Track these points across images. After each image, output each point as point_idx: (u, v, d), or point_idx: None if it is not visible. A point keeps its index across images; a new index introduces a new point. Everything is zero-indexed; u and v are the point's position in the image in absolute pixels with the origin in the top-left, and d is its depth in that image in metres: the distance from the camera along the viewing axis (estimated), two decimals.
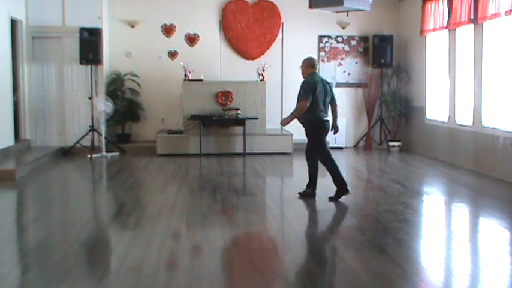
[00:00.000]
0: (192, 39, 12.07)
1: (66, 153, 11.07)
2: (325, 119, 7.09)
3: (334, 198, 7.00)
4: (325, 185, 7.24)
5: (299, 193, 7.20)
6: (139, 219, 6.24)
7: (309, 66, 7.17)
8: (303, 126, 7.18)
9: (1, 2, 9.83)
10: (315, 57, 12.18)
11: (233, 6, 12.06)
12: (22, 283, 4.39)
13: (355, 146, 12.41)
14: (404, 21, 12.25)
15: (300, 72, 7.25)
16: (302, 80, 7.13)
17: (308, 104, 6.89)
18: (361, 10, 8.70)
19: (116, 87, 11.62)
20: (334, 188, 7.02)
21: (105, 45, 11.34)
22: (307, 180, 7.18)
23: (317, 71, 7.20)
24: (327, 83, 7.15)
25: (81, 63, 10.91)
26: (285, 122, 7.18)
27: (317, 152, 7.10)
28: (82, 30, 10.82)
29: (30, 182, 8.59)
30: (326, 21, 11.98)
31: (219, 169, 9.56)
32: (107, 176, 9.53)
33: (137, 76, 11.74)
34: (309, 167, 7.17)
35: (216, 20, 12.11)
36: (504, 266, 4.72)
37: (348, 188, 7.03)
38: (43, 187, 8.53)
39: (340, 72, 12.41)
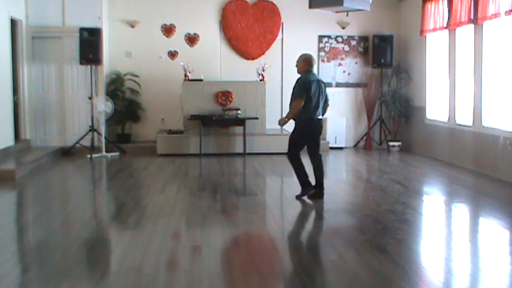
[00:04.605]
0: (192, 39, 12.07)
1: (66, 153, 11.06)
2: (318, 117, 7.05)
3: (299, 197, 7.06)
4: (325, 184, 7.22)
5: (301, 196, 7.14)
6: (139, 219, 6.24)
7: (307, 63, 7.11)
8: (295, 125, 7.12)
9: (1, 2, 9.82)
10: (315, 56, 12.31)
11: (233, 6, 12.06)
12: (22, 283, 4.39)
13: (355, 146, 12.41)
14: (405, 21, 12.25)
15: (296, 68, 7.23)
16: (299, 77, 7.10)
17: (302, 103, 6.85)
18: (361, 10, 8.69)
19: (116, 87, 11.62)
20: (335, 187, 7.02)
21: (105, 45, 11.34)
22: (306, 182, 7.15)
23: (313, 70, 7.15)
24: (323, 82, 7.13)
25: (81, 63, 10.90)
26: (282, 122, 7.13)
27: (317, 150, 7.10)
28: (82, 30, 10.81)
29: (30, 182, 8.59)
30: (326, 21, 11.98)
31: (219, 169, 9.55)
32: (107, 176, 9.53)
33: (137, 76, 11.74)
34: (294, 166, 7.14)
35: (216, 20, 12.11)
36: (504, 266, 4.72)
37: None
38: (43, 187, 8.53)
39: (340, 72, 12.41)
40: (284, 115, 7.36)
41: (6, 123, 10.05)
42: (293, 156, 7.10)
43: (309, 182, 7.08)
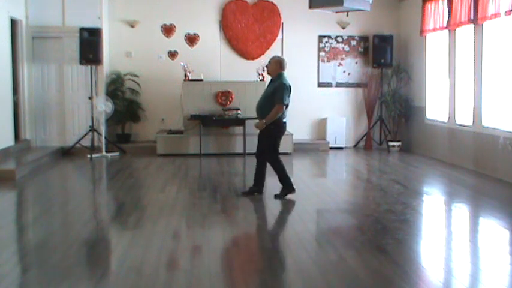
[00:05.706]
0: (192, 39, 12.07)
1: (66, 153, 11.06)
2: (285, 120, 7.15)
3: (280, 196, 7.17)
4: (324, 184, 7.23)
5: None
6: (139, 219, 6.25)
7: (281, 66, 7.15)
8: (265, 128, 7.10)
9: (1, 2, 9.82)
10: (315, 57, 12.33)
11: (233, 6, 12.06)
12: (22, 283, 4.40)
13: (355, 146, 12.41)
14: (405, 21, 12.25)
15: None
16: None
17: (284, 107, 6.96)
18: (361, 10, 8.68)
19: (116, 87, 11.62)
20: (335, 187, 7.02)
21: (105, 45, 11.34)
22: (281, 182, 7.26)
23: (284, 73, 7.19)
24: None
25: (81, 63, 10.90)
26: (261, 125, 7.05)
27: (270, 153, 7.18)
28: (82, 30, 10.81)
29: (30, 182, 8.59)
30: (326, 21, 11.98)
31: (219, 169, 9.55)
32: (107, 176, 9.53)
33: (137, 76, 11.74)
34: (277, 168, 7.22)
35: (216, 20, 12.11)
36: (504, 266, 4.72)
37: (294, 187, 7.20)
38: (43, 187, 8.53)
39: (340, 72, 12.41)
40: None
41: (6, 123, 10.04)
42: (277, 159, 7.19)
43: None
